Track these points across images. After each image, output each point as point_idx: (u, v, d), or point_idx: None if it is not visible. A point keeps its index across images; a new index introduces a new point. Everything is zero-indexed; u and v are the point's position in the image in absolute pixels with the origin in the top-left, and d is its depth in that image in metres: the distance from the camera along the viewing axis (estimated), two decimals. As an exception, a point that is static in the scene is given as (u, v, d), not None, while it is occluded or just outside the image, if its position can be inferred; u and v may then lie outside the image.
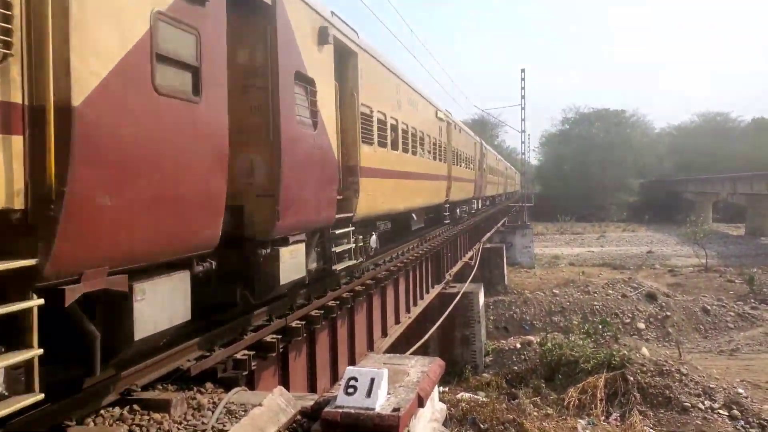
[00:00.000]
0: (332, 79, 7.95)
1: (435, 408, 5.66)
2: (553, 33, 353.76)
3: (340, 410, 4.28)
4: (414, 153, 13.61)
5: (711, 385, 17.51)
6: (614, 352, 19.19)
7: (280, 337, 6.81)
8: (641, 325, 28.03)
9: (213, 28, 4.73)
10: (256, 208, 5.95)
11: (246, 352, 6.01)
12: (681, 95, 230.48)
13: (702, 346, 26.15)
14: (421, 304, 16.27)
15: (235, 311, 6.54)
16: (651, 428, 15.93)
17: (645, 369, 18.04)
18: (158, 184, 4.06)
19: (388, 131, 11.12)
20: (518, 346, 23.34)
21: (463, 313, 22.20)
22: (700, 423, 16.09)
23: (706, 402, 16.85)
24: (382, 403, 4.37)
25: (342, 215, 8.41)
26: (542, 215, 75.29)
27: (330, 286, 9.28)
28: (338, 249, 8.55)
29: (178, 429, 4.18)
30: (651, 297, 30.50)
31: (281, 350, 6.89)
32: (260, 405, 4.55)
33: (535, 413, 16.48)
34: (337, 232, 8.45)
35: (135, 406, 4.38)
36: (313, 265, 7.77)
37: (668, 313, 28.92)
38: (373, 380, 4.41)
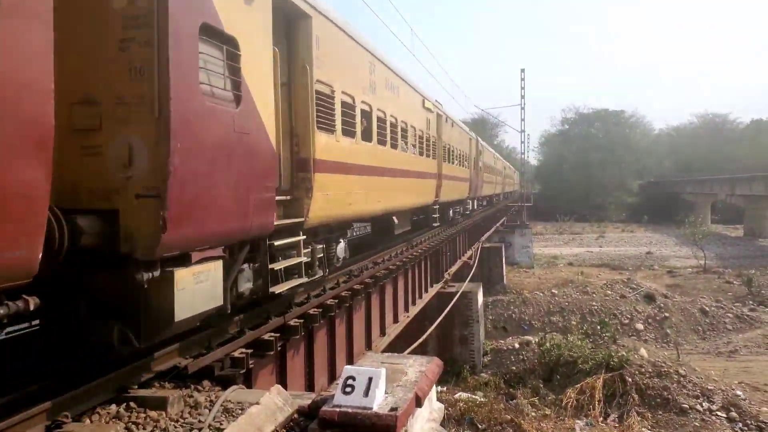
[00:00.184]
0: (269, 43, 6.17)
1: (433, 408, 5.65)
2: (552, 33, 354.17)
3: (338, 409, 4.27)
4: (394, 146, 11.89)
5: (709, 387, 17.54)
6: (613, 353, 19.23)
7: (278, 335, 6.79)
8: (640, 326, 28.06)
9: None
10: (135, 213, 4.32)
11: (243, 350, 5.99)
12: (680, 96, 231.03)
13: (700, 348, 26.19)
14: (420, 303, 16.27)
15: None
16: (649, 429, 15.95)
17: (643, 370, 18.07)
18: None
19: (358, 118, 9.29)
20: (517, 346, 23.36)
21: (461, 312, 22.19)
22: (698, 425, 16.12)
23: (704, 404, 16.88)
24: (379, 402, 4.35)
25: (286, 222, 6.81)
26: (541, 215, 75.52)
27: (317, 286, 9.24)
28: (279, 265, 6.72)
29: (175, 427, 4.16)
30: (649, 298, 30.55)
31: (279, 348, 6.87)
32: (257, 403, 4.53)
33: (533, 414, 16.50)
34: (277, 243, 6.60)
35: (131, 404, 4.36)
36: (247, 286, 6.16)
37: (667, 314, 28.95)
38: (370, 379, 4.40)
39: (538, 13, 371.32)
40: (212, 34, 5.05)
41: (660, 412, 16.69)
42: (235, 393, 4.82)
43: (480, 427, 15.28)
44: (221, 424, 4.21)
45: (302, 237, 7.27)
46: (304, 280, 7.41)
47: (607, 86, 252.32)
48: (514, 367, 21.73)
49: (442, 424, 5.89)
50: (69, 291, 4.43)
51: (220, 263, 5.26)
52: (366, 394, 4.34)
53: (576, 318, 28.00)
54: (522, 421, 15.21)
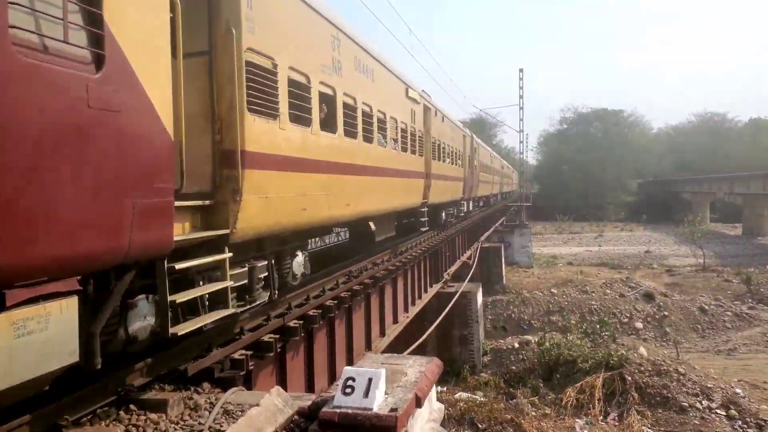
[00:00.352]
0: None
1: (433, 408, 5.65)
2: (552, 33, 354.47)
3: (338, 410, 4.28)
4: (368, 139, 10.12)
5: (709, 385, 17.55)
6: (612, 352, 19.23)
7: (277, 336, 6.80)
8: (639, 325, 28.08)
9: None
10: None
11: (243, 351, 6.00)
12: (679, 96, 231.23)
13: (700, 346, 26.21)
14: (419, 304, 16.28)
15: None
16: (649, 428, 15.95)
17: (643, 369, 18.08)
18: None
19: (315, 103, 7.55)
20: (516, 345, 23.35)
21: (461, 312, 22.17)
22: (698, 423, 16.12)
23: (703, 402, 16.88)
24: (379, 403, 4.36)
25: (200, 235, 5.20)
26: (540, 215, 75.64)
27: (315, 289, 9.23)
28: (183, 296, 4.81)
29: (175, 429, 4.17)
30: (649, 297, 30.58)
31: (279, 350, 6.88)
32: (257, 405, 4.54)
33: (533, 413, 16.49)
34: (180, 266, 4.72)
35: (132, 406, 4.37)
36: (141, 326, 4.54)
37: (666, 313, 28.97)
38: (370, 380, 4.41)
39: (538, 13, 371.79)
40: None
41: (660, 411, 16.69)
42: (235, 395, 4.82)
43: (480, 426, 15.28)
44: (221, 426, 4.22)
45: (227, 255, 5.50)
46: (231, 311, 5.56)
47: (606, 86, 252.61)
48: (513, 367, 21.72)
49: (442, 424, 5.89)
50: None
51: (74, 300, 3.62)
52: (366, 394, 4.35)
53: (575, 317, 28.01)
54: (522, 421, 15.20)
